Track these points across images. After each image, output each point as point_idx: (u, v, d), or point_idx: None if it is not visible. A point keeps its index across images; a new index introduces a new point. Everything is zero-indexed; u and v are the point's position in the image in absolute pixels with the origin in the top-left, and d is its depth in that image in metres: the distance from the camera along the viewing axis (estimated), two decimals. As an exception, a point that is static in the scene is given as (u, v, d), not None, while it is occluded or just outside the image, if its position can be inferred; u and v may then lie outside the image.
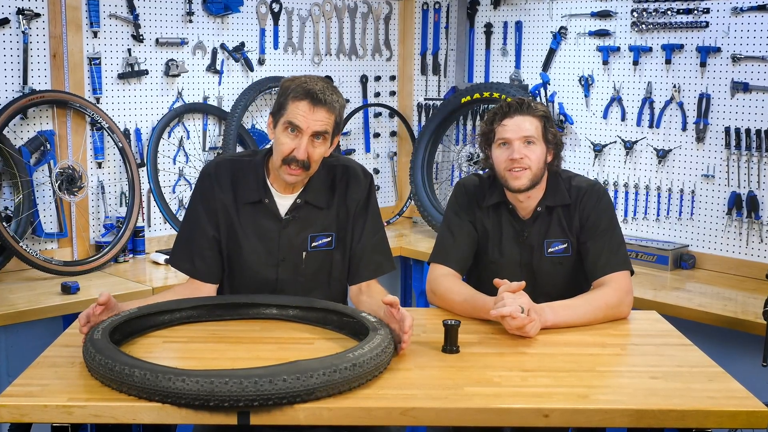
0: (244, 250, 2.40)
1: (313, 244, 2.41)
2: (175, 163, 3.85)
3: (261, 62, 4.08)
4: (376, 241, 2.47)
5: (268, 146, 2.48)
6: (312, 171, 2.33)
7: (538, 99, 4.04)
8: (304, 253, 2.41)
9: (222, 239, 2.41)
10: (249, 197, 2.39)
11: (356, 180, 2.44)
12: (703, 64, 3.54)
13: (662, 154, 3.70)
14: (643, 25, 3.71)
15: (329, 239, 2.43)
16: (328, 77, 4.31)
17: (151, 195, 3.73)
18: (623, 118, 3.84)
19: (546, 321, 2.25)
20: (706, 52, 3.52)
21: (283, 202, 2.40)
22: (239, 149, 3.93)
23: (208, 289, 2.42)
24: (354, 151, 4.55)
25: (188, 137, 3.87)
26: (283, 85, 2.31)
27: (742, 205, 3.47)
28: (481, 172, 2.64)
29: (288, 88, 2.28)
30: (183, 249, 2.45)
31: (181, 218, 3.82)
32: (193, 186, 2.47)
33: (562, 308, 2.31)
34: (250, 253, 2.40)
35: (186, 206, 2.50)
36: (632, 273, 2.49)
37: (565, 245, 2.53)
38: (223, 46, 3.93)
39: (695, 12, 3.55)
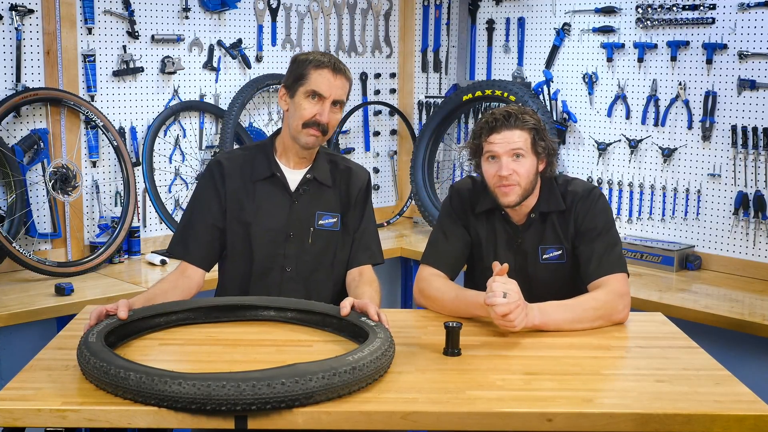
0: (253, 228, 2.49)
1: (320, 222, 2.52)
2: (171, 162, 3.82)
3: (258, 59, 4.05)
4: (373, 231, 2.61)
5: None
6: (328, 137, 2.47)
7: (540, 97, 4.00)
8: (311, 229, 2.50)
9: (227, 225, 2.50)
10: (261, 174, 2.50)
11: (357, 169, 2.61)
12: (709, 62, 3.50)
13: (667, 153, 3.66)
14: (648, 22, 3.67)
15: (335, 220, 2.54)
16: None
17: (147, 195, 3.70)
18: (628, 117, 3.80)
19: (534, 319, 2.21)
20: (712, 49, 3.49)
21: (293, 177, 2.51)
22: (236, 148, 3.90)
23: (198, 275, 2.48)
24: (353, 149, 4.51)
25: (184, 136, 3.85)
26: (298, 59, 2.46)
27: (749, 205, 3.44)
28: (475, 175, 2.60)
29: (305, 60, 2.43)
30: (180, 235, 2.54)
31: (177, 218, 3.79)
32: (200, 177, 2.53)
33: (550, 308, 2.26)
34: (259, 230, 2.49)
35: (187, 200, 2.58)
36: (628, 275, 2.41)
37: (560, 252, 2.48)
38: (219, 43, 3.90)
39: (701, 8, 3.51)
